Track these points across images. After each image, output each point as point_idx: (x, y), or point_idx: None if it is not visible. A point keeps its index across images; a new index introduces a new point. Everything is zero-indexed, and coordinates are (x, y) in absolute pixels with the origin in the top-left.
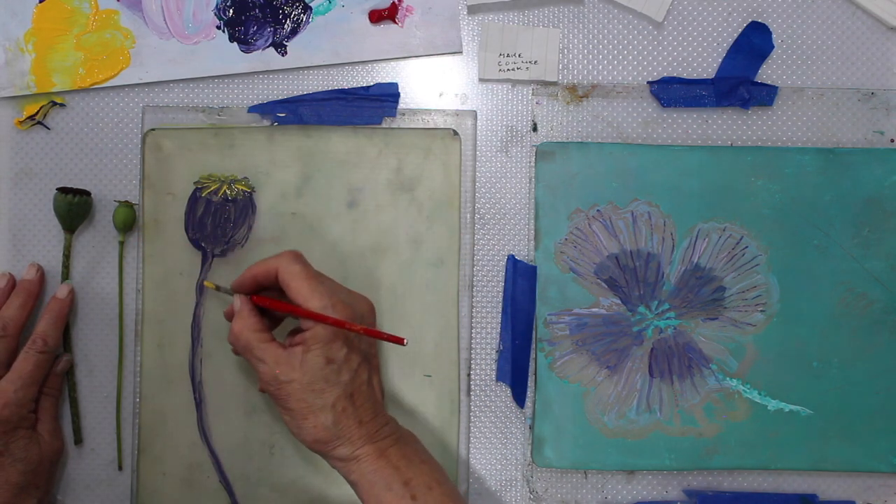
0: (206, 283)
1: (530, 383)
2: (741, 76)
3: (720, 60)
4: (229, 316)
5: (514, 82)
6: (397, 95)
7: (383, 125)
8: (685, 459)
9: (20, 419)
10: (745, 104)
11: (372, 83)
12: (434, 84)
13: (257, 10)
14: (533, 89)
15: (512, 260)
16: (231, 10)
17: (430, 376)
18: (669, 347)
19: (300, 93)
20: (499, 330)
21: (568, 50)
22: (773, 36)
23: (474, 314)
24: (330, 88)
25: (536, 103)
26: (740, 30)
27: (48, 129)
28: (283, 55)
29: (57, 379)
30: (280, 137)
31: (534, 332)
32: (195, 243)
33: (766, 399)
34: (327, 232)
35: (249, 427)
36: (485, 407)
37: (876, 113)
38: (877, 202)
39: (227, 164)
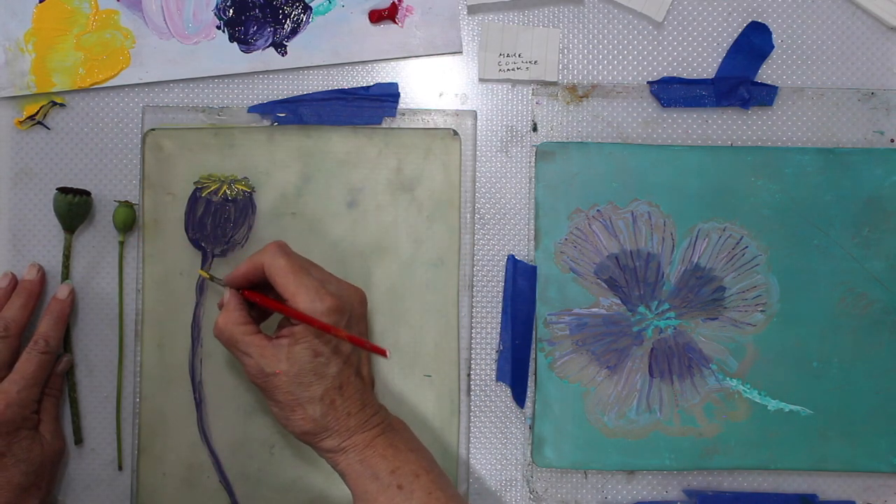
0: (200, 270)
1: (530, 383)
2: (741, 76)
3: (720, 60)
4: (221, 307)
5: (514, 82)
6: (397, 95)
7: (383, 125)
8: (685, 459)
9: (23, 420)
10: (745, 104)
11: (372, 83)
12: (434, 84)
13: (257, 10)
14: (533, 89)
15: (512, 260)
16: (231, 10)
17: (430, 376)
18: (669, 347)
19: (300, 93)
20: (499, 330)
21: (568, 50)
22: (773, 36)
23: (474, 314)
24: (330, 88)
25: (536, 103)
26: (740, 30)
27: (48, 129)
28: (283, 55)
29: (58, 379)
30: (280, 137)
31: (534, 332)
32: (195, 243)
33: (766, 399)
34: (327, 232)
35: (249, 427)
36: (485, 407)
37: (876, 113)
38: (877, 202)
39: (227, 164)
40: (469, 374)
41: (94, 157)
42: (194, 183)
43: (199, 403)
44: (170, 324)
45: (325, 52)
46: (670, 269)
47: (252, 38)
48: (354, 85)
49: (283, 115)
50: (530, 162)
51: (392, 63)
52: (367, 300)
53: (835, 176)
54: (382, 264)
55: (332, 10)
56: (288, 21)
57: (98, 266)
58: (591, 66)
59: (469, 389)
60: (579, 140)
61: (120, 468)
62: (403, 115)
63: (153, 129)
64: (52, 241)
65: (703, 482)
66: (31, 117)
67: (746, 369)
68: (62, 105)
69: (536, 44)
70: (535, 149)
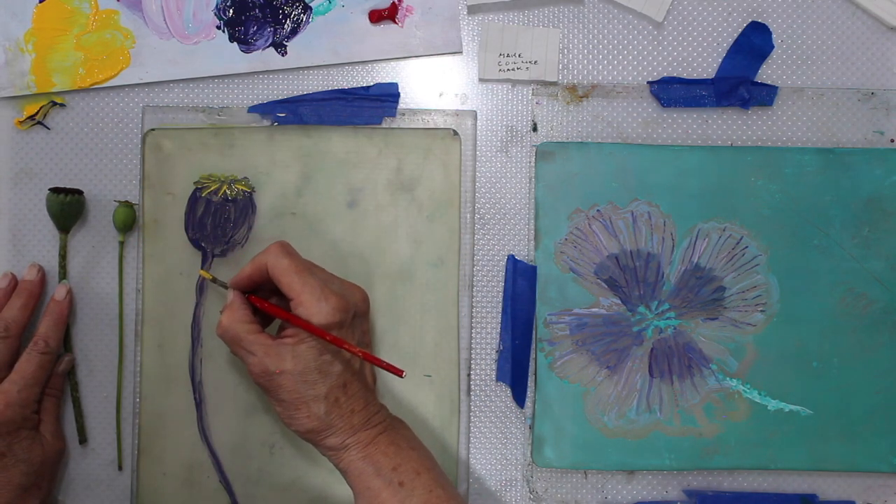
0: (201, 271)
1: (530, 383)
2: (741, 76)
3: (720, 60)
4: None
5: (514, 82)
6: (397, 95)
7: (383, 125)
8: (685, 459)
9: (23, 420)
10: (745, 104)
11: (372, 83)
12: (434, 84)
13: (257, 10)
14: (533, 89)
15: (512, 260)
16: (231, 10)
17: (430, 376)
18: (669, 347)
19: (300, 93)
20: (499, 330)
21: (568, 50)
22: (773, 36)
23: (474, 314)
24: (330, 88)
25: (536, 103)
26: (740, 30)
27: (48, 129)
28: (283, 55)
29: (59, 379)
30: (280, 137)
31: (534, 332)
32: (195, 243)
33: (766, 399)
34: (327, 232)
35: (249, 427)
36: (485, 407)
37: (876, 113)
38: (877, 202)
39: (227, 164)
40: (469, 374)
41: (94, 157)
42: (194, 183)
43: (199, 403)
44: (170, 324)
45: (325, 52)
46: (670, 269)
47: (252, 38)
48: (354, 85)
49: (283, 115)
50: (530, 162)
51: (392, 63)
52: (369, 298)
53: (835, 176)
54: (382, 264)
55: (332, 10)
56: (288, 21)
57: (98, 266)
58: (591, 66)
59: (469, 389)
60: (579, 140)
61: (120, 468)
62: (403, 115)
63: (153, 129)
64: (52, 242)
65: (703, 482)
66: (31, 117)
67: (746, 369)
68: (62, 105)
69: (536, 44)
70: (535, 149)
